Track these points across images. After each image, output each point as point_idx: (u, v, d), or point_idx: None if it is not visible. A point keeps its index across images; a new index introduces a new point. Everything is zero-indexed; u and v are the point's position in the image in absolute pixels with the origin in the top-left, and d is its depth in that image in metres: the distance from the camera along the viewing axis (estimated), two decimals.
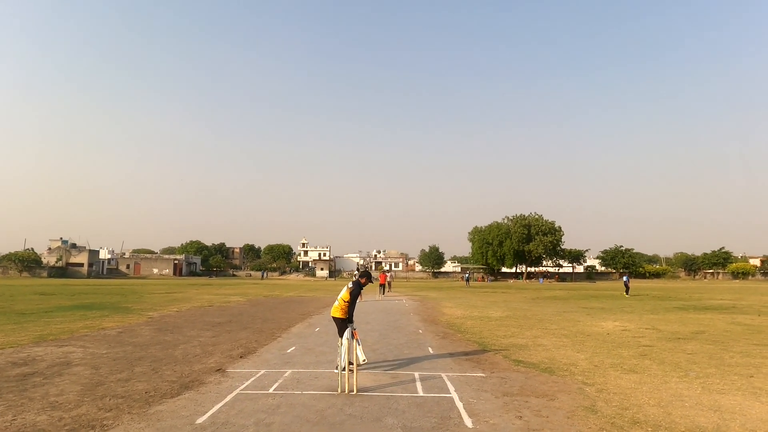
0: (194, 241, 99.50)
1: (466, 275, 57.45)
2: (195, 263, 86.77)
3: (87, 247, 69.80)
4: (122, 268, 77.59)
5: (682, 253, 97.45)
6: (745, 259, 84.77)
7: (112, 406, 5.41)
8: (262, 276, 77.52)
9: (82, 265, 66.55)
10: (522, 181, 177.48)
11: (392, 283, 35.92)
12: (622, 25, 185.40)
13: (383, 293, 27.69)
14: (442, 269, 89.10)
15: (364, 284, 7.61)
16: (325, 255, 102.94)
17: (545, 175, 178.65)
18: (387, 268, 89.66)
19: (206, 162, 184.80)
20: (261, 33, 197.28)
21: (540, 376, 7.06)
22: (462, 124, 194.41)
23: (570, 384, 6.59)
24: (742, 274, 72.60)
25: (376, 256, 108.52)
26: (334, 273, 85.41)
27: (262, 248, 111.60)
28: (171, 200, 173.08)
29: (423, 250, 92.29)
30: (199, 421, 4.94)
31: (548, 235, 73.23)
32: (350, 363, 6.52)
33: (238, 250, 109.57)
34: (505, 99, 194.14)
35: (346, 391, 6.05)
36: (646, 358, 8.42)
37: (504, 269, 79.91)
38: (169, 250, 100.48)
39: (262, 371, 7.30)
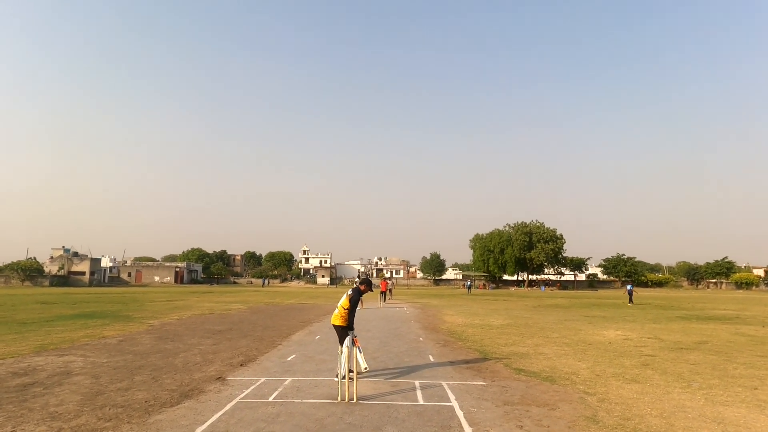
0: (195, 249, 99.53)
1: (468, 283, 57.27)
2: (196, 271, 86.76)
3: (89, 256, 69.93)
4: (124, 276, 77.62)
5: (684, 262, 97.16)
6: (748, 269, 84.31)
7: (112, 415, 5.40)
8: (263, 283, 77.41)
9: (83, 273, 66.56)
10: (523, 188, 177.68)
11: (393, 290, 35.81)
12: (628, 26, 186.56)
13: (384, 300, 27.62)
14: (444, 276, 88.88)
15: (364, 291, 7.62)
16: (326, 262, 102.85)
17: (547, 182, 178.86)
18: (388, 275, 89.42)
19: (207, 169, 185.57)
20: (261, 35, 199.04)
21: (541, 385, 7.03)
22: (464, 130, 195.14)
23: (571, 393, 6.55)
24: (746, 284, 72.16)
25: (377, 263, 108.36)
26: (335, 280, 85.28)
27: (263, 255, 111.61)
28: (172, 208, 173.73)
29: (424, 257, 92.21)
30: (199, 430, 4.92)
31: (550, 243, 73.06)
32: (350, 371, 6.51)
33: (239, 258, 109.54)
34: (508, 105, 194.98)
35: (346, 400, 6.04)
36: (648, 368, 8.37)
37: (505, 277, 79.65)
38: (171, 258, 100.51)
39: (262, 379, 7.28)
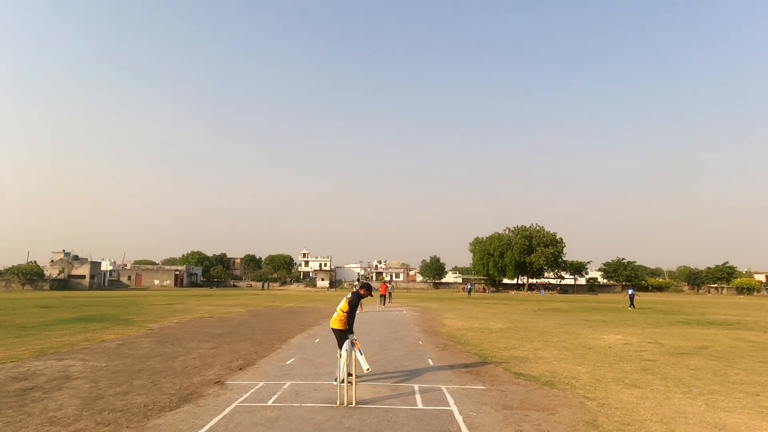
0: (195, 252, 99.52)
1: (468, 286, 57.25)
2: (196, 274, 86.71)
3: (89, 259, 69.88)
4: (124, 279, 77.56)
5: (685, 266, 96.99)
6: (749, 274, 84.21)
7: (111, 420, 5.39)
8: (263, 286, 77.35)
9: (84, 277, 66.52)
10: (523, 191, 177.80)
11: (393, 293, 35.78)
12: (629, 28, 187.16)
13: (384, 304, 27.59)
14: (443, 280, 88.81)
15: (364, 296, 7.62)
16: (325, 265, 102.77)
17: (547, 185, 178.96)
18: (388, 278, 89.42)
19: (207, 172, 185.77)
20: (259, 36, 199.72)
21: (541, 390, 7.01)
22: (464, 132, 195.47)
23: (571, 398, 6.54)
24: (747, 289, 72.00)
25: (377, 266, 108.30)
26: (334, 283, 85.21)
27: (263, 259, 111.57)
28: (172, 211, 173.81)
29: (424, 261, 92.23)
30: None
31: (550, 247, 73.09)
32: (349, 375, 6.50)
33: (239, 261, 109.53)
34: (508, 107, 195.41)
35: (345, 404, 6.02)
36: (648, 373, 8.35)
37: (505, 280, 79.63)
38: (171, 261, 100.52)
39: (261, 383, 7.27)
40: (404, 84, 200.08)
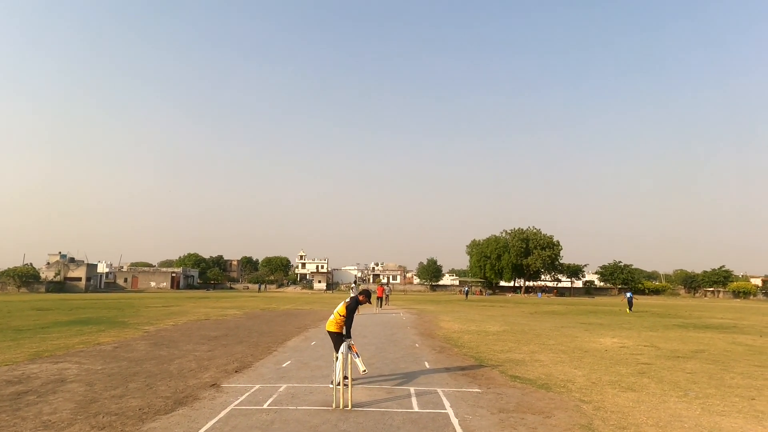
0: (192, 254, 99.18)
1: (466, 288, 57.29)
2: (192, 276, 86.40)
3: (85, 261, 69.45)
4: (120, 281, 77.19)
5: (682, 270, 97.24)
6: (746, 278, 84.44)
7: (105, 423, 5.37)
8: (260, 288, 77.13)
9: (80, 279, 66.13)
10: (520, 194, 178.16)
11: (390, 296, 35.75)
12: (623, 33, 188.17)
13: (380, 306, 27.56)
14: (440, 282, 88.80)
15: (363, 302, 7.61)
16: (322, 267, 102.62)
17: (544, 188, 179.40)
18: (385, 280, 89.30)
19: (204, 174, 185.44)
20: (257, 38, 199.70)
21: (536, 393, 7.02)
22: (462, 136, 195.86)
23: (567, 401, 6.55)
24: (743, 293, 72.24)
25: (374, 268, 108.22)
26: (331, 285, 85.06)
27: (259, 261, 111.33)
28: (169, 213, 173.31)
29: (421, 263, 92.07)
30: None
31: (546, 250, 73.17)
32: (345, 377, 6.50)
33: (235, 263, 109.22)
34: (505, 110, 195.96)
35: (341, 407, 6.02)
36: (644, 376, 8.37)
37: (502, 283, 79.68)
38: (167, 263, 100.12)
39: (257, 386, 7.25)
40: (403, 85, 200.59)
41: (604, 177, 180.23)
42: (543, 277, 78.42)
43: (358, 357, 7.36)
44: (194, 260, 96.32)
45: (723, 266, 79.74)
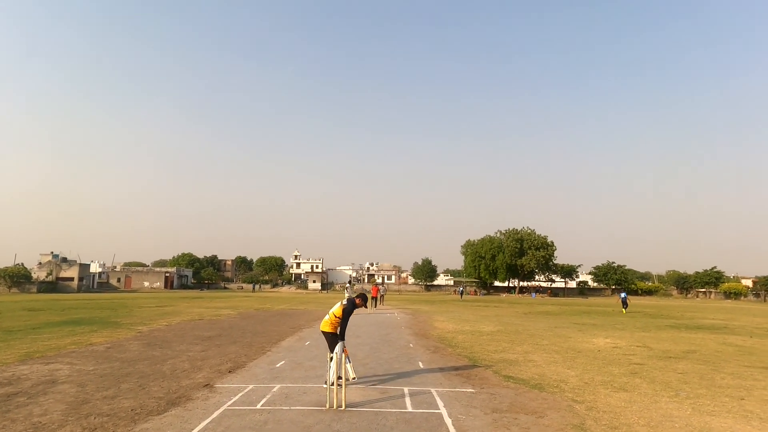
0: (186, 254, 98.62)
1: (461, 289, 57.44)
2: (186, 276, 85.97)
3: (77, 261, 68.86)
4: (113, 281, 76.65)
5: (674, 271, 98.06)
6: (737, 279, 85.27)
7: (97, 425, 5.33)
8: (254, 288, 76.88)
9: (72, 279, 65.55)
10: (515, 195, 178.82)
11: (385, 296, 35.76)
12: (621, 36, 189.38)
13: (375, 306, 27.56)
14: (435, 282, 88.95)
15: (359, 305, 7.61)
16: (317, 267, 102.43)
17: (538, 189, 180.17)
18: (380, 280, 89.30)
19: (199, 174, 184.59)
20: (253, 37, 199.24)
21: (530, 393, 7.05)
22: (457, 136, 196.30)
23: (560, 401, 6.59)
24: (734, 294, 72.96)
25: (368, 268, 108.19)
26: (326, 285, 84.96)
27: (254, 260, 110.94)
28: (163, 213, 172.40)
29: (416, 263, 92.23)
30: None
31: (541, 250, 73.52)
32: (339, 378, 6.50)
33: (230, 263, 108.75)
34: (500, 111, 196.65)
35: (335, 407, 6.02)
36: (636, 377, 8.43)
37: (496, 283, 79.93)
38: (161, 263, 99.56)
39: (251, 386, 7.23)
40: (398, 86, 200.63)
41: (598, 178, 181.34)
42: (537, 277, 78.78)
43: (350, 362, 7.36)
44: (188, 260, 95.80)
45: (715, 267, 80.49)
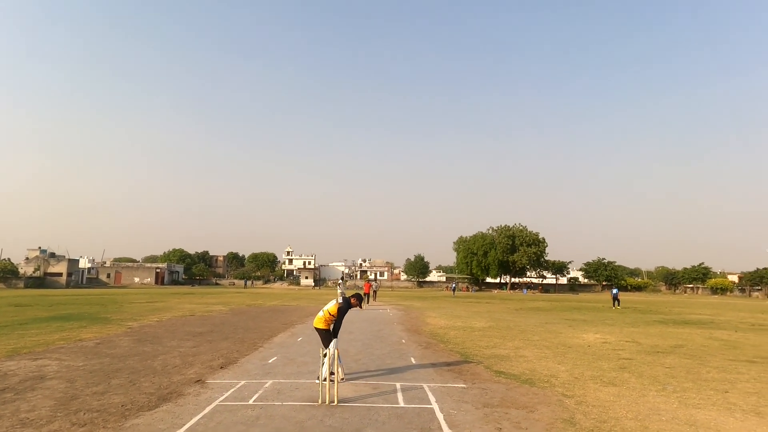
0: (177, 250, 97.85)
1: (453, 285, 57.64)
2: (177, 272, 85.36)
3: (66, 257, 67.99)
4: (103, 277, 75.90)
5: (663, 267, 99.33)
6: (723, 275, 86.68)
7: (87, 420, 5.29)
8: (246, 284, 76.56)
9: (60, 274, 64.73)
10: (507, 192, 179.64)
11: (377, 292, 35.81)
12: (610, 39, 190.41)
13: (367, 302, 27.59)
14: (427, 278, 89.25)
15: (354, 305, 7.59)
16: (310, 263, 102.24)
17: (530, 186, 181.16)
18: (372, 277, 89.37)
19: (190, 170, 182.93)
20: (248, 35, 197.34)
21: (520, 388, 7.12)
22: (449, 134, 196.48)
23: (550, 396, 6.65)
24: (721, 289, 74.17)
25: (361, 264, 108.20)
26: (319, 281, 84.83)
27: (246, 256, 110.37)
28: (154, 209, 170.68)
29: (408, 260, 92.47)
30: None
31: (532, 247, 74.06)
32: (332, 373, 6.51)
33: (221, 259, 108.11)
34: (493, 109, 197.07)
35: (327, 402, 6.02)
36: (625, 371, 8.54)
37: (488, 279, 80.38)
38: (151, 259, 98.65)
39: (243, 382, 7.21)
40: (393, 84, 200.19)
41: (590, 176, 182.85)
42: (528, 273, 79.38)
43: (341, 362, 7.36)
44: (179, 256, 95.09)
45: (702, 263, 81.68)
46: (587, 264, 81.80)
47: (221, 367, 8.38)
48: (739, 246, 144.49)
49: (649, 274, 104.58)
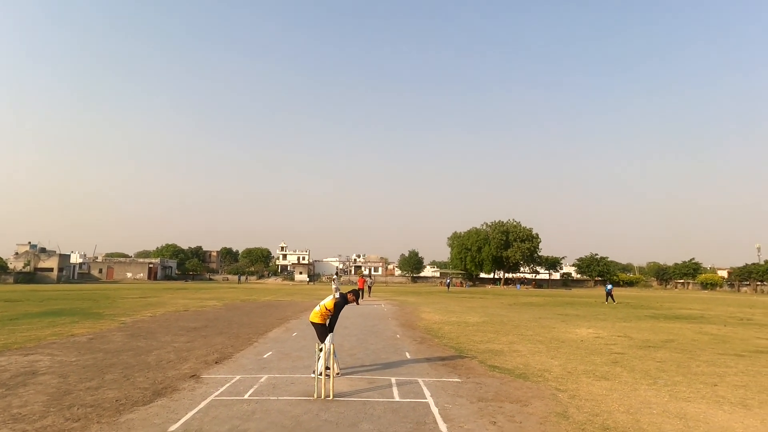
0: (170, 245, 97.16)
1: (448, 280, 57.84)
2: (170, 267, 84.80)
3: (57, 252, 67.33)
4: (94, 272, 75.21)
5: (654, 262, 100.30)
6: (713, 270, 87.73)
7: (81, 415, 5.26)
8: (239, 280, 76.31)
9: (51, 270, 64.09)
10: (501, 187, 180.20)
11: (372, 287, 35.85)
12: (602, 33, 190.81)
13: (362, 297, 27.64)
14: (422, 274, 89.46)
15: (350, 301, 7.60)
16: (304, 259, 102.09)
17: (524, 182, 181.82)
18: (366, 272, 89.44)
19: (183, 166, 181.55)
20: (242, 31, 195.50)
21: (514, 382, 7.17)
22: (442, 130, 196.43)
23: (543, 390, 6.72)
24: (711, 284, 75.09)
25: (355, 260, 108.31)
26: (313, 277, 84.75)
27: (239, 252, 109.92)
28: (146, 204, 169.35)
29: (402, 255, 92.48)
30: (172, 428, 4.85)
31: (526, 242, 74.36)
32: (327, 368, 6.52)
33: (215, 254, 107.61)
34: (486, 106, 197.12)
35: (323, 397, 6.04)
36: (617, 366, 8.64)
37: (482, 275, 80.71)
38: (144, 254, 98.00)
39: (238, 377, 7.21)
40: (387, 80, 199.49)
41: (583, 173, 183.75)
42: (522, 269, 79.75)
43: (336, 357, 7.37)
44: (172, 251, 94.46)
45: (693, 259, 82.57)
46: (580, 259, 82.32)
47: (216, 362, 8.36)
48: (728, 242, 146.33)
49: (640, 269, 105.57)
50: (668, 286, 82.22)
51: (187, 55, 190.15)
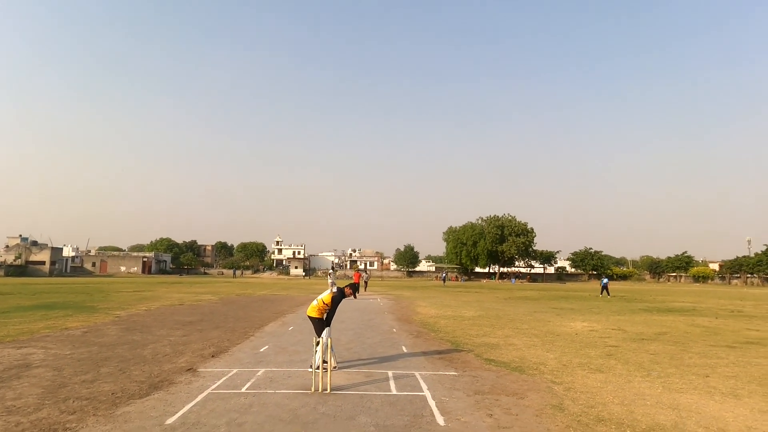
0: (164, 239, 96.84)
1: (443, 275, 58.02)
2: (165, 261, 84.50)
3: (49, 245, 66.82)
4: (87, 266, 74.81)
5: (647, 256, 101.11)
6: (705, 263, 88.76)
7: (76, 408, 5.23)
8: (234, 274, 76.20)
9: (43, 263, 63.63)
10: (496, 182, 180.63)
11: (368, 282, 35.91)
12: (593, 26, 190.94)
13: (359, 291, 27.66)
14: (417, 268, 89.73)
15: (348, 295, 7.60)
16: (299, 253, 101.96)
17: (519, 177, 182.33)
18: (362, 266, 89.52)
19: (178, 160, 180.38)
20: (240, 26, 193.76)
21: (510, 375, 7.22)
22: (438, 124, 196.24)
23: (539, 383, 6.76)
24: (702, 278, 75.98)
25: (351, 254, 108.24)
26: (308, 271, 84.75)
27: (235, 246, 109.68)
28: (139, 198, 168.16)
29: (398, 250, 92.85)
30: (169, 421, 4.84)
31: (521, 236, 74.76)
32: (324, 362, 6.52)
33: (210, 248, 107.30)
34: (481, 99, 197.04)
35: (320, 390, 6.04)
36: (611, 358, 8.71)
37: (477, 269, 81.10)
38: (138, 248, 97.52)
39: (235, 370, 7.20)
40: (381, 73, 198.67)
41: (577, 167, 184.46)
42: (517, 263, 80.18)
43: (333, 351, 7.38)
44: (166, 245, 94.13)
45: (685, 252, 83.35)
46: (574, 254, 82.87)
47: (212, 356, 8.34)
48: (720, 236, 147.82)
49: (634, 263, 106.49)
50: (661, 280, 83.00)
51: (182, 48, 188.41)
